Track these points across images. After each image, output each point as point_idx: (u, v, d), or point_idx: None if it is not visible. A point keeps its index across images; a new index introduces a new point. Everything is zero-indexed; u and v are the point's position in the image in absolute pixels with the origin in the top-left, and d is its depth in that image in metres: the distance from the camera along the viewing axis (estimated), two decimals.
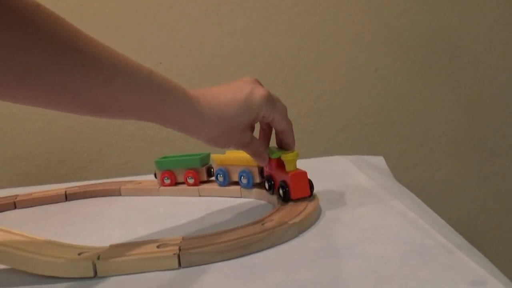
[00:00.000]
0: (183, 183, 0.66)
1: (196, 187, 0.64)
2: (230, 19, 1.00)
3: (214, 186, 0.64)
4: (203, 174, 0.65)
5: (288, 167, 0.51)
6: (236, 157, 0.60)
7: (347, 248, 0.39)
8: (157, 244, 0.41)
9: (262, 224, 0.44)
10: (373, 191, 0.58)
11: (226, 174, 0.62)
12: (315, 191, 0.52)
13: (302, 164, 0.52)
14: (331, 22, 1.02)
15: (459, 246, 0.37)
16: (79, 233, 0.52)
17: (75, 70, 0.34)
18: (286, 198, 0.50)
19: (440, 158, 1.10)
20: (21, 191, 0.74)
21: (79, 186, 0.73)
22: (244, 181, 0.60)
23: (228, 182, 0.62)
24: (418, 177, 1.10)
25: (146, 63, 0.41)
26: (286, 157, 0.50)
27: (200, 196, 0.64)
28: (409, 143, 1.09)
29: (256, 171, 0.59)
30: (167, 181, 0.66)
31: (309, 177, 0.51)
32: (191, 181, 0.65)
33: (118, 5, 0.96)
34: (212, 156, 0.64)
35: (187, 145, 1.01)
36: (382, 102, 1.06)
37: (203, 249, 0.39)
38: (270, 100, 0.48)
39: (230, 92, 0.47)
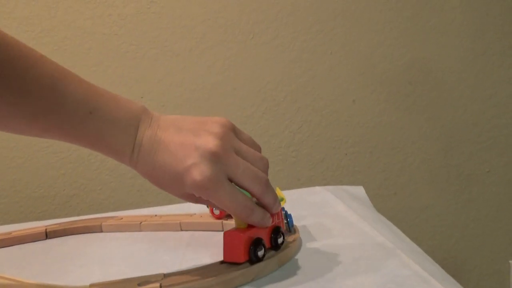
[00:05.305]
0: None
1: (178, 222, 0.64)
2: (210, 53, 1.02)
3: (195, 220, 0.64)
4: None
5: (238, 224, 0.44)
6: None
7: (328, 281, 0.40)
8: (138, 281, 0.41)
9: None
10: (353, 222, 0.59)
11: None
12: (296, 224, 0.52)
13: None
14: (309, 55, 1.05)
15: (434, 275, 0.38)
16: (59, 272, 0.52)
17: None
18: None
19: (419, 186, 1.12)
20: (1, 229, 0.72)
21: (59, 224, 0.72)
22: None
23: None
24: (399, 205, 1.12)
25: (127, 98, 0.42)
26: None
27: (182, 230, 0.64)
28: (389, 172, 1.11)
29: None
30: (217, 212, 0.61)
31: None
32: None
33: (99, 40, 0.98)
34: None
35: None
36: (361, 132, 1.09)
37: (184, 286, 0.39)
38: (207, 187, 0.38)
39: (172, 155, 0.40)
